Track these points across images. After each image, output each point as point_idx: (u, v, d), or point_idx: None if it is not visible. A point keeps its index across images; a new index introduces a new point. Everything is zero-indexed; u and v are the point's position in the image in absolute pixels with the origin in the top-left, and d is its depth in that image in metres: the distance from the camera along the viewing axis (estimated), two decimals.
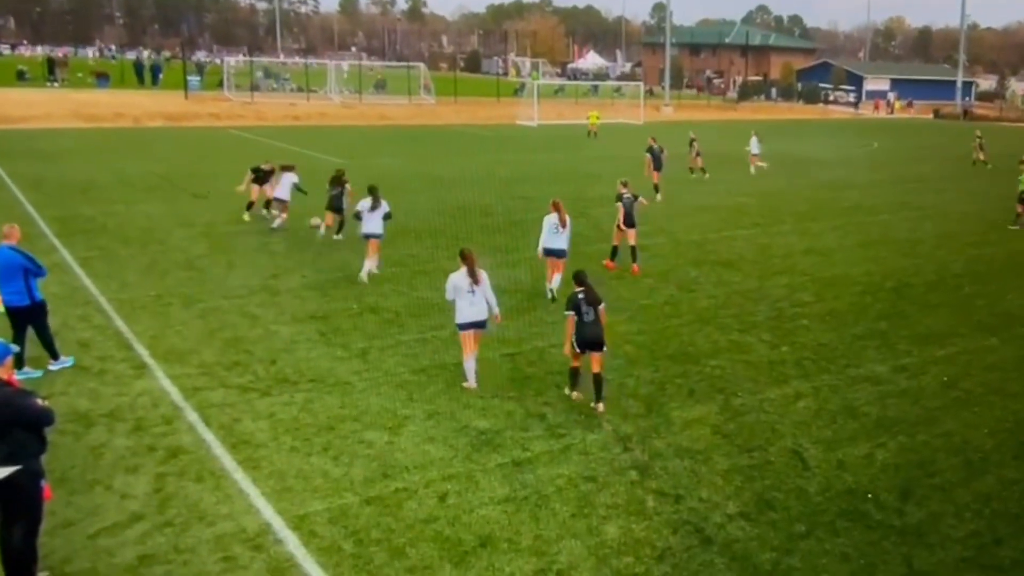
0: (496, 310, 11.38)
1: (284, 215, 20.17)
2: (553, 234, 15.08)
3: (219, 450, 9.38)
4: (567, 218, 15.17)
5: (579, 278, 10.91)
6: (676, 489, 8.92)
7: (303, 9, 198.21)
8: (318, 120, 53.34)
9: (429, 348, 12.75)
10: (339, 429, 9.99)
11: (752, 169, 34.47)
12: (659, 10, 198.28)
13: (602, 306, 10.76)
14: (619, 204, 17.50)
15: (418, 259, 18.22)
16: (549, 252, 15.23)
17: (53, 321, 11.93)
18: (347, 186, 19.27)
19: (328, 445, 9.58)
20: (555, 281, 15.29)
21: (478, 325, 11.28)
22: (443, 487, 8.76)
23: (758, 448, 9.93)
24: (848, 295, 16.66)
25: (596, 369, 10.69)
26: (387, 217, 16.38)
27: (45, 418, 7.07)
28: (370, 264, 16.32)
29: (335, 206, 19.07)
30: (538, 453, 9.58)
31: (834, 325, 14.69)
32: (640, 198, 18.08)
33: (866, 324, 14.82)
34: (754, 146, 34.71)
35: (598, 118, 50.91)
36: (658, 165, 27.53)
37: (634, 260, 17.52)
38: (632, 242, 17.59)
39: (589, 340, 10.62)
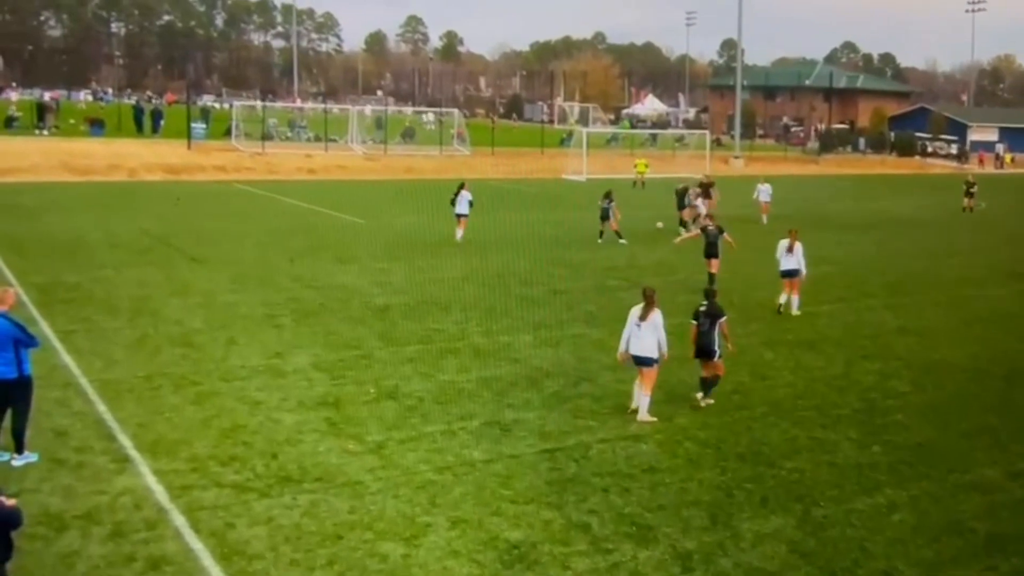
0: (664, 349, 13.73)
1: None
2: (785, 257, 20.30)
3: (208, 561, 9.36)
4: (796, 244, 20.17)
5: (707, 294, 14.78)
6: None
7: (324, 47, 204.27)
8: (336, 174, 54.35)
9: (456, 442, 12.71)
10: (348, 539, 9.93)
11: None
12: (729, 48, 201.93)
13: (723, 319, 14.25)
14: (702, 234, 23.07)
15: (446, 335, 18.31)
16: (783, 273, 20.50)
17: None
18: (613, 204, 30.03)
19: (334, 558, 9.51)
20: (783, 298, 20.53)
21: (641, 361, 13.65)
22: None
23: (844, 570, 9.71)
24: (951, 384, 16.44)
25: (704, 374, 14.38)
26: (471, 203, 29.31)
27: (13, 520, 7.13)
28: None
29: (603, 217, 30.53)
30: (581, 572, 9.43)
31: (935, 420, 14.45)
32: (725, 233, 22.75)
33: (973, 419, 14.56)
34: (763, 194, 38.58)
35: (646, 167, 52.99)
36: (681, 205, 34.01)
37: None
38: (713, 271, 22.48)
39: (700, 348, 14.27)
